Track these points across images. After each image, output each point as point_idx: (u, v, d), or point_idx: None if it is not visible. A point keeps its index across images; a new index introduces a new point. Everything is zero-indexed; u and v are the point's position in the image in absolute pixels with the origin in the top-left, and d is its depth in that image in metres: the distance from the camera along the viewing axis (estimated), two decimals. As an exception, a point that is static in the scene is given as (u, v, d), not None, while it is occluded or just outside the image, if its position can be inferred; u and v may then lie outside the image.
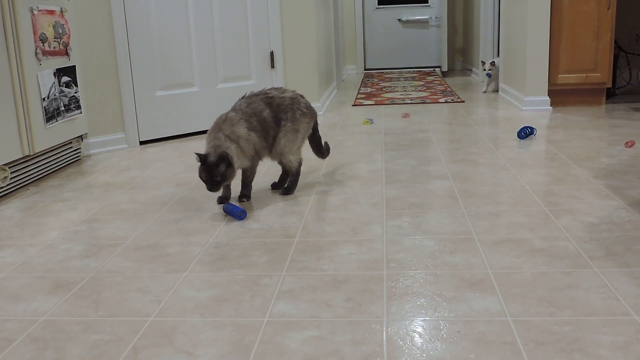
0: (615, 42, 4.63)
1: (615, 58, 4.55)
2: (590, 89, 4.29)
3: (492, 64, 5.05)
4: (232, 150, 2.19)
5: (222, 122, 2.28)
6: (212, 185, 2.16)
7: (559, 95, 4.31)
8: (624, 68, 4.88)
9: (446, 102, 4.78)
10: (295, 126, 2.39)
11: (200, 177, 2.17)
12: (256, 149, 2.29)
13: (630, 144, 3.04)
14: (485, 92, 5.18)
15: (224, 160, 2.14)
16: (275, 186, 2.55)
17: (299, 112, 2.40)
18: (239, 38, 3.95)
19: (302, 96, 2.47)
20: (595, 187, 2.40)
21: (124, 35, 3.46)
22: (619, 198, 2.25)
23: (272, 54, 4.12)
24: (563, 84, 4.23)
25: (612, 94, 4.68)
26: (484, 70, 5.11)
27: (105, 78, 3.45)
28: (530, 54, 4.17)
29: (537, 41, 4.15)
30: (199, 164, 2.17)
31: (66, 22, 3.10)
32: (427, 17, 7.71)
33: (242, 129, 2.25)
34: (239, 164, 2.25)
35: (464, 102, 4.76)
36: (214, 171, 2.14)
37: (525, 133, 3.32)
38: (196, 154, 2.16)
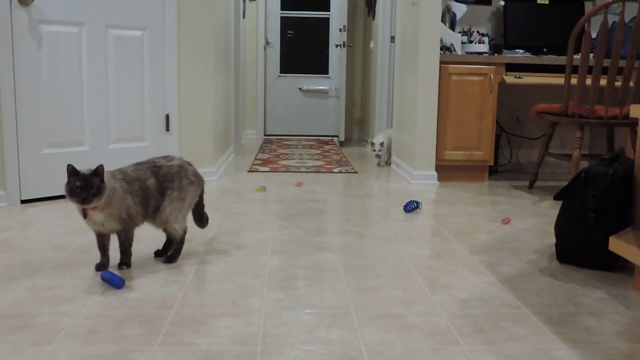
0: (498, 123, 4.96)
1: (498, 138, 4.88)
2: (474, 165, 4.55)
3: (382, 144, 5.22)
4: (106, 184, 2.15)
5: (107, 172, 2.24)
6: (87, 195, 2.06)
7: (446, 171, 4.54)
8: (505, 147, 5.23)
9: (340, 172, 4.90)
10: (182, 194, 2.37)
11: (72, 190, 2.06)
12: (130, 213, 2.24)
13: (506, 221, 3.23)
14: (379, 164, 5.35)
15: (100, 174, 2.10)
16: (158, 254, 2.50)
17: (187, 180, 2.39)
18: (134, 98, 3.91)
19: (189, 164, 2.46)
20: (471, 262, 2.52)
21: (11, 88, 3.33)
22: (491, 274, 2.37)
23: (167, 116, 4.10)
24: (449, 160, 4.47)
25: (495, 171, 4.98)
26: (374, 150, 5.26)
27: (-13, 132, 3.30)
28: (419, 130, 4.39)
29: (426, 119, 4.38)
30: (69, 178, 2.08)
31: (-53, 73, 2.97)
32: (327, 87, 7.96)
33: (118, 186, 2.21)
34: (108, 225, 2.22)
35: (357, 172, 4.90)
36: (90, 180, 2.07)
37: (411, 207, 3.45)
38: (68, 164, 2.08)
